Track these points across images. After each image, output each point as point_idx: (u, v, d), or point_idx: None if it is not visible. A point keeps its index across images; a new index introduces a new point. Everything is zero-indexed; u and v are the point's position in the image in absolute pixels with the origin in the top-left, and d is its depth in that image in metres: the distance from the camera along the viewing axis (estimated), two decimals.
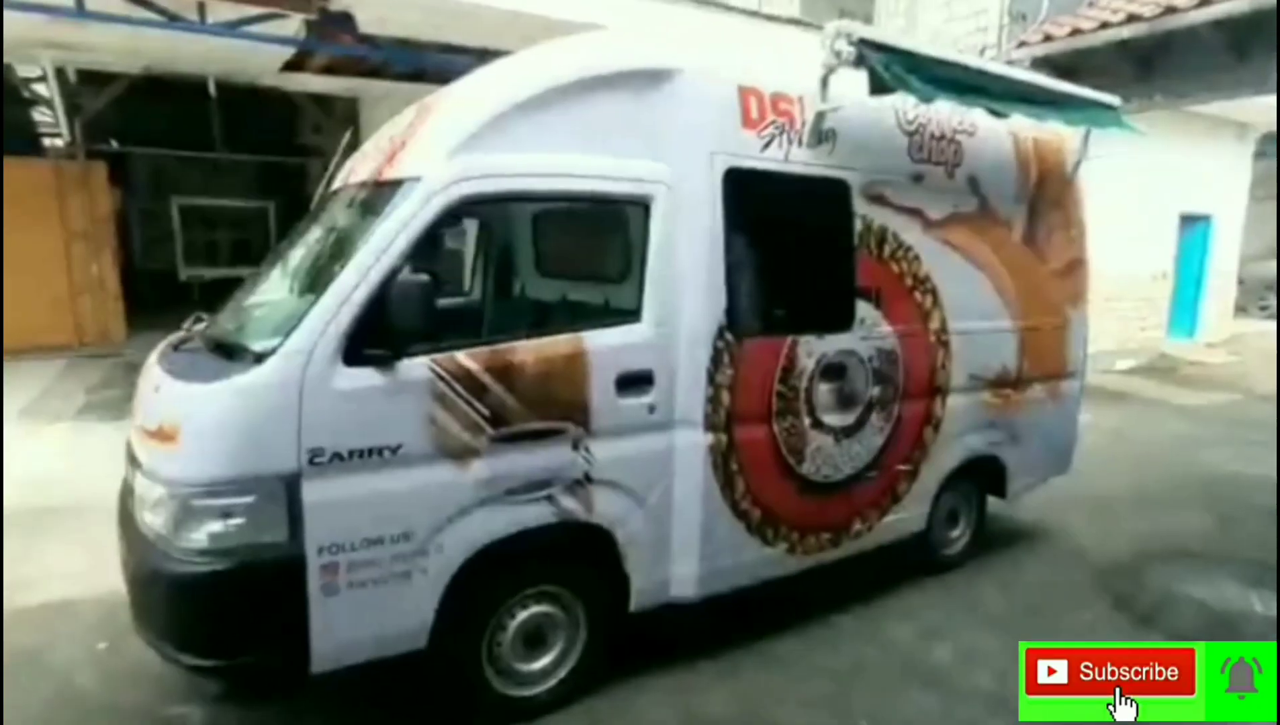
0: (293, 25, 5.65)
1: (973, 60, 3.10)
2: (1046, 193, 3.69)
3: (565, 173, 2.32)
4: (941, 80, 2.86)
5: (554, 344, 2.32)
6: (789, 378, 2.79)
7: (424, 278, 2.01)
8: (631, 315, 2.48)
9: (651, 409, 2.50)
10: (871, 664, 2.92)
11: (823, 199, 2.88)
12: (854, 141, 2.90)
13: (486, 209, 2.33)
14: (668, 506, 2.60)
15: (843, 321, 2.94)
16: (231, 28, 5.39)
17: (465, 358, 2.16)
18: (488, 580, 2.33)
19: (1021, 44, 8.18)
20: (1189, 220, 11.43)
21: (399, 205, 2.11)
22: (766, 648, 2.97)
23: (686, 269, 2.51)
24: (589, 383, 2.36)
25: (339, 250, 2.31)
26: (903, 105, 3.04)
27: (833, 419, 2.96)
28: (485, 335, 2.25)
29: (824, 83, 2.69)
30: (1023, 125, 3.47)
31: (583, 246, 2.91)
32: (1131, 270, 10.76)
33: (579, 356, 2.34)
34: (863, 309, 2.99)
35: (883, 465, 3.18)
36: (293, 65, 6.92)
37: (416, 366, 2.09)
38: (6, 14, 5.42)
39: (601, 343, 2.39)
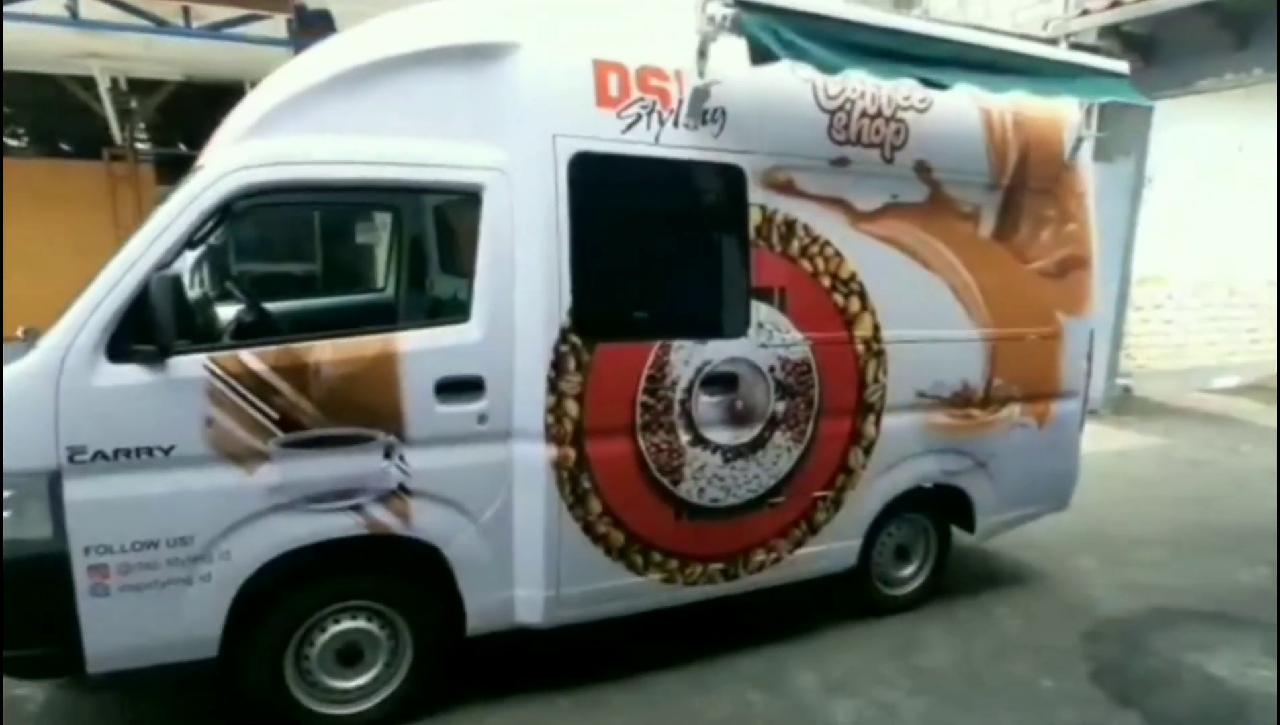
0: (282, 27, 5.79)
1: (905, 22, 2.66)
2: (1031, 179, 3.16)
3: (374, 159, 2.14)
4: (856, 46, 2.47)
5: (358, 345, 2.14)
6: (658, 388, 2.48)
7: (174, 273, 1.89)
8: (458, 315, 2.27)
9: (483, 418, 2.28)
10: (755, 715, 2.57)
11: (706, 187, 2.56)
12: (751, 121, 2.56)
13: (290, 199, 2.18)
14: (507, 524, 2.37)
15: (733, 326, 2.60)
16: (216, 30, 5.59)
17: (250, 357, 2.02)
18: (289, 590, 2.19)
19: (1084, 12, 7.28)
20: None
21: (178, 195, 2.01)
22: (642, 685, 2.68)
23: (524, 265, 2.28)
24: (401, 387, 2.17)
25: None
26: (823, 78, 2.66)
27: (721, 436, 2.62)
28: (282, 333, 2.10)
29: (701, 54, 2.38)
30: (1000, 99, 2.99)
31: (411, 239, 2.73)
32: (1235, 275, 9.50)
33: (388, 358, 2.15)
34: (762, 312, 2.63)
35: (792, 491, 2.80)
36: None
37: (190, 365, 1.97)
38: (36, 28, 5.82)
39: (418, 344, 2.19)
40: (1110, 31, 7.24)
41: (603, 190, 2.36)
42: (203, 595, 2.07)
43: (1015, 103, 3.03)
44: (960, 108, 2.96)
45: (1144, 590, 3.67)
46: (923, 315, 2.98)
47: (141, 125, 8.63)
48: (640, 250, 2.51)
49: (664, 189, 2.50)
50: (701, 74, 2.39)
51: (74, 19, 5.85)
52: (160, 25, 5.61)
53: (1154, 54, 7.31)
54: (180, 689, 2.49)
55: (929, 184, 2.95)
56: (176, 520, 2.01)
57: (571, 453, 2.39)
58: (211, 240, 2.02)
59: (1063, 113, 3.22)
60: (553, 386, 2.32)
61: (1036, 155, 3.17)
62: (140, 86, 7.91)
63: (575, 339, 2.33)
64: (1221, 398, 9.11)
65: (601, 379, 2.39)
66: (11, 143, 8.63)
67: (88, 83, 7.61)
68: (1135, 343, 9.21)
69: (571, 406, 2.36)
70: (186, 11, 5.50)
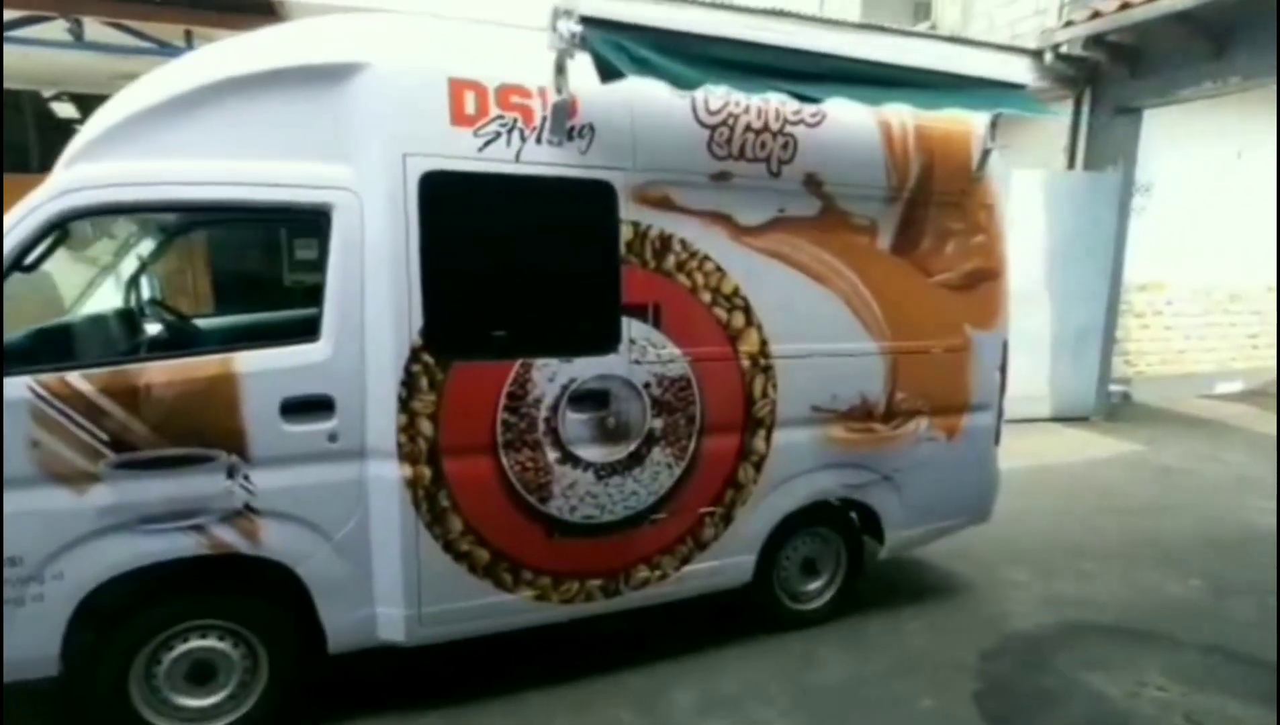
0: None
1: (775, 35, 2.61)
2: (933, 191, 3.10)
3: (214, 180, 2.15)
4: (717, 61, 2.45)
5: (195, 365, 2.16)
6: (520, 406, 2.47)
7: None
8: (306, 334, 2.27)
9: (333, 437, 2.29)
10: None
11: (572, 203, 2.53)
12: (623, 137, 2.54)
13: (140, 218, 2.20)
14: (364, 542, 2.37)
15: (602, 342, 2.58)
16: None
17: (77, 379, 2.04)
18: (133, 609, 2.21)
19: (1068, 24, 7.20)
20: None
21: (7, 219, 2.04)
22: (519, 702, 2.66)
23: (374, 284, 2.28)
24: (242, 407, 2.18)
25: None
26: (703, 92, 2.64)
27: (592, 453, 2.60)
28: (118, 353, 2.12)
29: (559, 70, 2.36)
30: (900, 111, 2.94)
31: (261, 259, 2.73)
32: (1237, 280, 9.30)
33: (227, 378, 2.16)
34: (635, 329, 2.61)
35: (675, 507, 2.78)
36: None
37: (14, 387, 1.99)
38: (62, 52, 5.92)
39: (260, 364, 2.20)
40: (1095, 42, 7.18)
41: (457, 208, 2.36)
42: (36, 615, 2.08)
43: (918, 115, 2.99)
44: (857, 121, 2.91)
45: (1066, 604, 3.59)
46: (815, 329, 2.93)
47: None
48: (499, 268, 2.49)
49: (525, 206, 2.48)
50: (560, 90, 2.37)
51: (79, 42, 5.94)
52: (163, 47, 5.64)
53: (1139, 64, 7.21)
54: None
55: (820, 197, 2.90)
56: (5, 541, 2.03)
57: (427, 471, 2.38)
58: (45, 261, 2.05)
59: (970, 125, 3.16)
60: (404, 405, 2.32)
61: (941, 167, 3.11)
62: None
63: (427, 358, 2.33)
64: (1221, 404, 8.90)
65: (457, 397, 2.38)
66: None
67: None
68: (1135, 349, 9.10)
69: (425, 425, 2.36)
70: (189, 34, 5.55)
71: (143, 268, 3.17)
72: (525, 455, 2.51)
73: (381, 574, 2.41)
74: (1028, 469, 6.02)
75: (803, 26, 6.76)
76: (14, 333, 2.02)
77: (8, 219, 2.01)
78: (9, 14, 5.74)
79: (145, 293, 3.01)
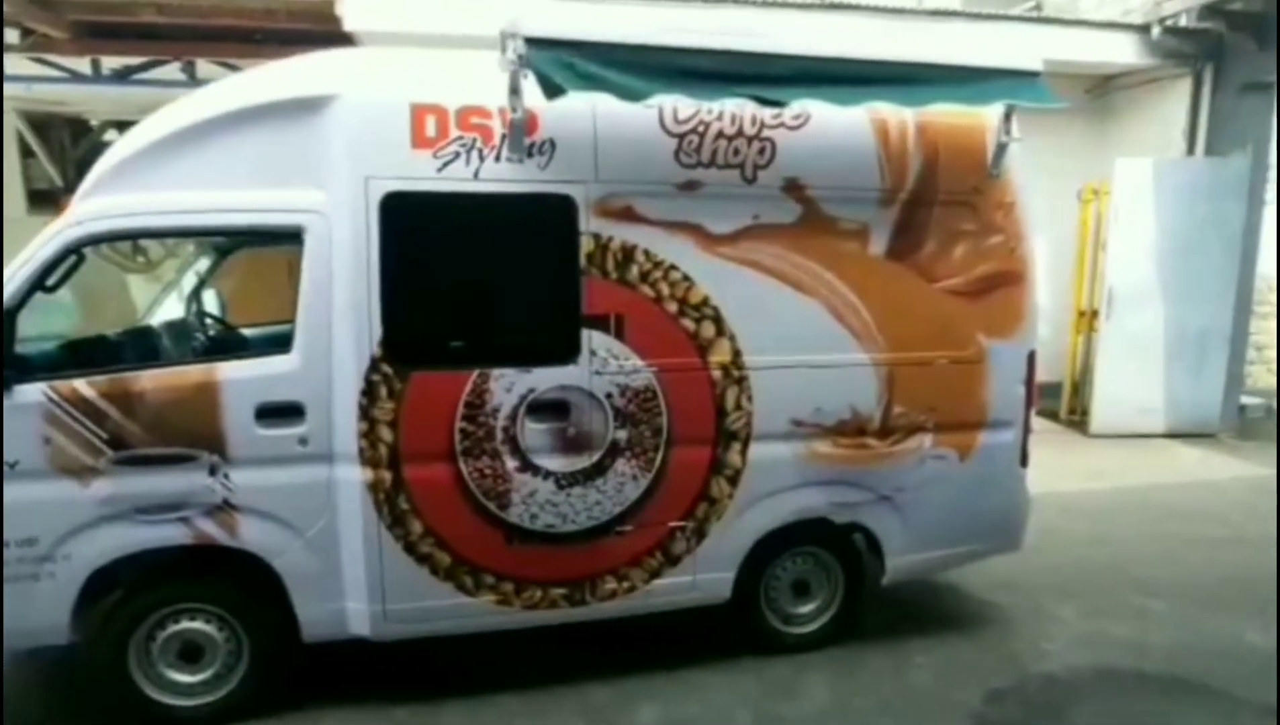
0: None
1: (739, 41, 2.52)
2: (938, 191, 2.90)
3: (203, 209, 2.40)
4: (669, 71, 2.42)
5: (180, 374, 2.42)
6: (478, 414, 2.55)
7: None
8: (280, 346, 2.47)
9: (304, 441, 2.46)
10: None
11: (531, 217, 2.59)
12: (584, 151, 2.57)
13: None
14: (334, 540, 2.54)
15: (561, 353, 2.61)
16: None
17: (83, 385, 2.33)
18: (131, 590, 2.48)
19: None
20: None
21: (31, 245, 2.36)
22: (483, 704, 2.74)
23: (340, 298, 2.44)
24: (221, 412, 2.40)
25: None
26: (671, 102, 2.62)
27: (552, 463, 2.64)
28: (120, 364, 2.40)
29: (513, 90, 2.42)
30: (899, 107, 2.78)
31: (251, 278, 2.95)
32: None
33: (209, 386, 2.39)
34: (596, 340, 2.62)
35: (643, 519, 2.76)
36: None
37: (31, 392, 2.30)
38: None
39: (238, 373, 2.42)
40: (1213, 12, 6.39)
41: (416, 226, 2.48)
42: (49, 590, 2.38)
43: (920, 111, 2.80)
44: (847, 120, 2.77)
45: (1110, 646, 3.22)
46: (795, 339, 2.82)
47: None
48: (456, 282, 2.59)
49: (483, 222, 2.56)
50: (514, 109, 2.43)
51: (191, 80, 6.81)
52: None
53: (1266, 34, 6.32)
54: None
55: (801, 202, 2.79)
56: (22, 525, 2.34)
57: (387, 475, 2.51)
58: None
59: (983, 118, 2.92)
60: (365, 412, 2.47)
61: (948, 165, 2.90)
62: None
63: (386, 368, 2.46)
64: None
65: (416, 405, 2.50)
66: None
67: None
68: None
69: (385, 432, 2.49)
70: None
71: (202, 284, 3.59)
72: (484, 463, 2.58)
73: (349, 571, 2.56)
74: (1118, 491, 5.45)
75: (868, 18, 6.50)
76: (33, 346, 2.34)
77: (30, 247, 2.34)
78: (134, 60, 6.64)
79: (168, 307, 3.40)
